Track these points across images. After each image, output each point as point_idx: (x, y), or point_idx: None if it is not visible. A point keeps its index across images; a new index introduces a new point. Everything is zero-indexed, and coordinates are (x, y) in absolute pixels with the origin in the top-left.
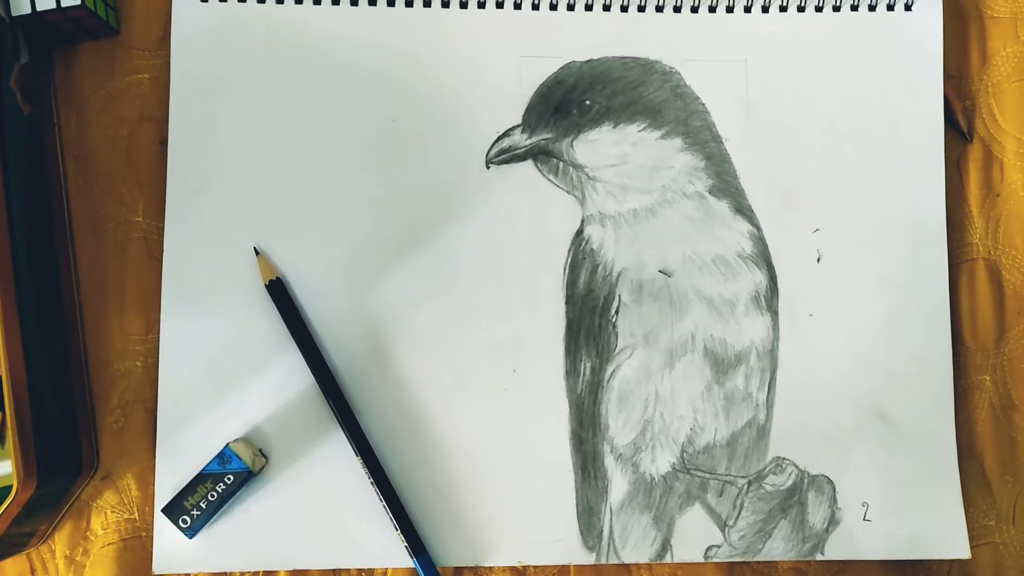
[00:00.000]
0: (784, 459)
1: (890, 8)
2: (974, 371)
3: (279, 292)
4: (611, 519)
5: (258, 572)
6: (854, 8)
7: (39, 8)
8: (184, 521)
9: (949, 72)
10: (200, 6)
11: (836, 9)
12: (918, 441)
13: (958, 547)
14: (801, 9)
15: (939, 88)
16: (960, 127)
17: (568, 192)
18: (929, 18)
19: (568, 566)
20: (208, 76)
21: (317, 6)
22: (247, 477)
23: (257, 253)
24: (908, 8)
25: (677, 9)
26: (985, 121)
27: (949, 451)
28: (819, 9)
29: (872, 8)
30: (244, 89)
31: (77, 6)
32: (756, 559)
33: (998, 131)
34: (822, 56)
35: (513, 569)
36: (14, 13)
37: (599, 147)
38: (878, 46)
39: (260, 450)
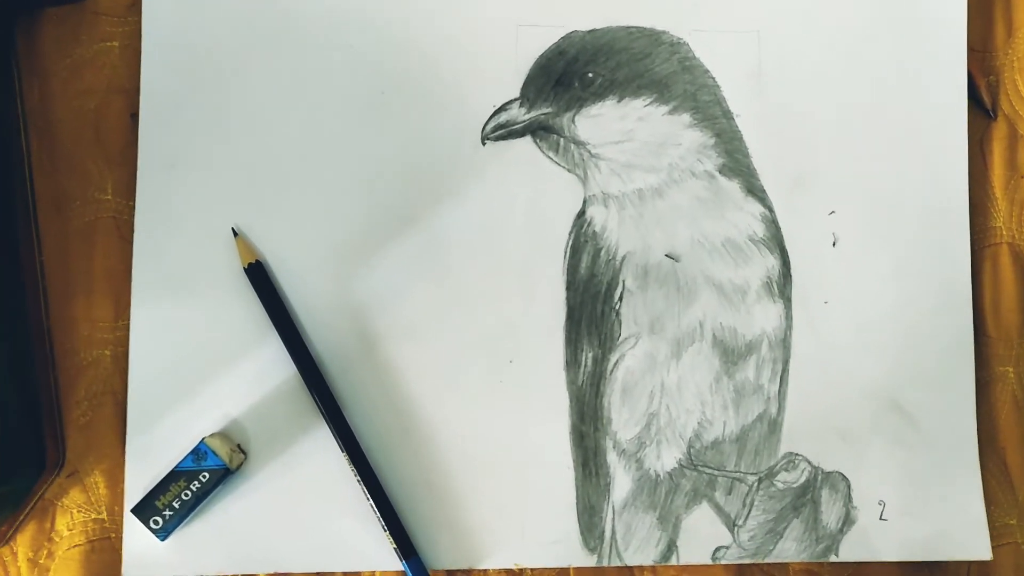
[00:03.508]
0: (796, 455)
1: None
2: (996, 362)
3: (259, 276)
4: (613, 519)
5: None
6: None
7: None
8: (156, 522)
9: (973, 46)
10: None
11: None
12: (937, 436)
13: (979, 548)
14: None
15: (962, 62)
16: (984, 104)
17: (569, 171)
18: None
19: (568, 568)
20: (182, 44)
21: None
22: (224, 475)
23: (235, 234)
24: None
25: None
26: (1010, 97)
27: (970, 447)
28: None
29: None
30: (221, 58)
31: None
32: (766, 561)
33: None
34: (839, 27)
35: (509, 572)
36: None
37: (602, 123)
38: (899, 17)
39: (238, 445)
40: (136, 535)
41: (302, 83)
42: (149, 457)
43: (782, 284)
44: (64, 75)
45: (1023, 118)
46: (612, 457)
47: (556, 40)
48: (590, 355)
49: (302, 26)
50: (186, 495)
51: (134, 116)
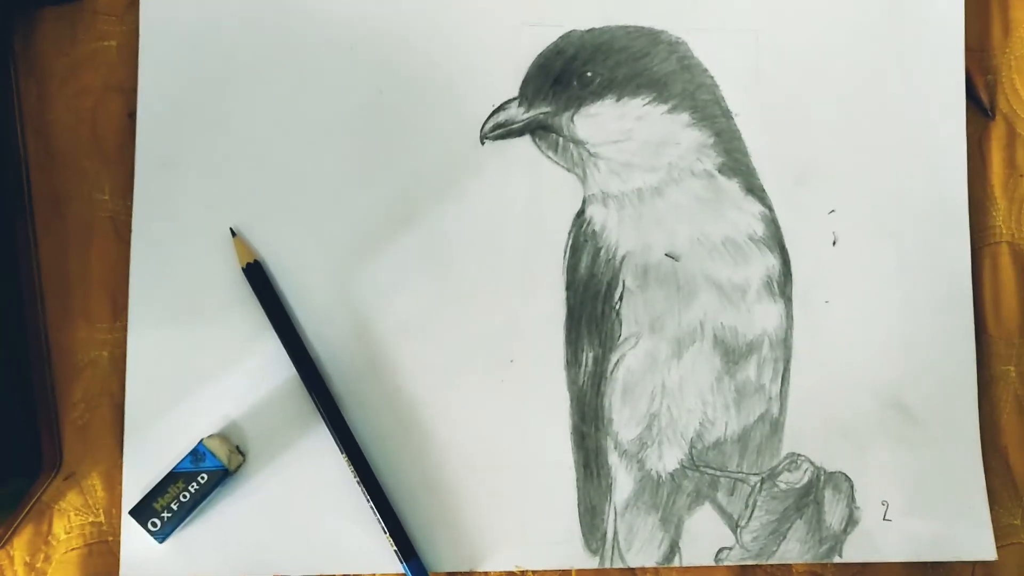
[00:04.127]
0: (799, 455)
1: None
2: (998, 361)
3: (257, 276)
4: (615, 520)
5: None
6: None
7: None
8: (154, 524)
9: (970, 45)
10: None
11: None
12: (940, 435)
13: (983, 548)
14: None
15: (960, 61)
16: (982, 103)
17: (568, 170)
18: None
19: (570, 570)
20: (180, 43)
21: None
22: (222, 476)
23: (233, 234)
24: None
25: None
26: (1008, 97)
27: (973, 446)
28: None
29: None
30: (219, 57)
31: None
32: (770, 562)
33: (1022, 107)
34: (837, 26)
35: (510, 574)
36: None
37: (601, 122)
38: (896, 17)
39: (237, 447)
40: (134, 537)
41: (301, 81)
42: (147, 459)
43: (783, 283)
44: (61, 74)
45: (1021, 117)
46: (613, 457)
47: (555, 39)
48: (591, 355)
49: (301, 24)
50: (184, 496)
51: (131, 115)
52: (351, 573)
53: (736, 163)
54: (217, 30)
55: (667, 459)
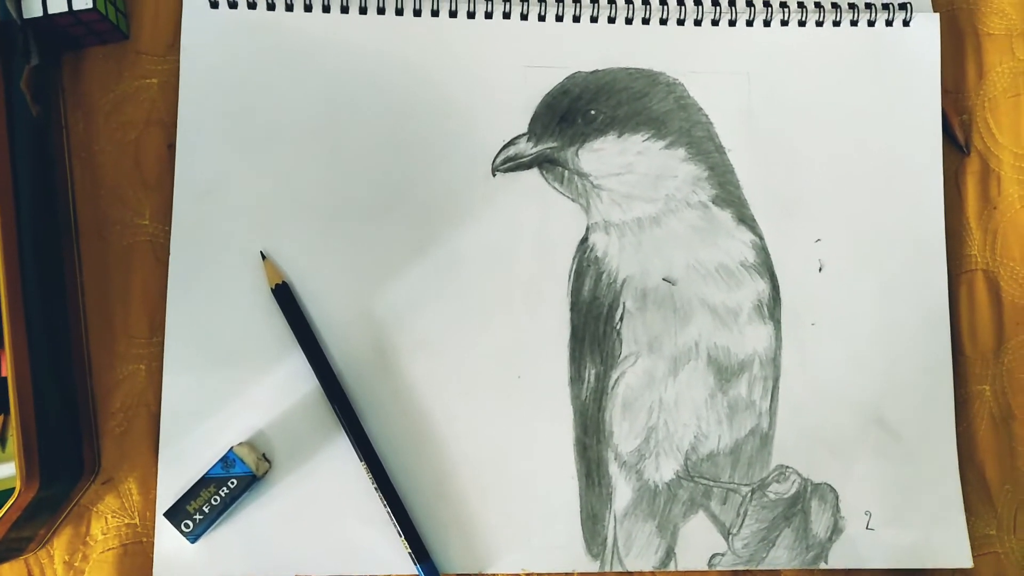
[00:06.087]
0: (787, 467)
1: (889, 24)
2: (974, 381)
3: (285, 296)
4: (615, 526)
5: None
6: (854, 23)
7: (51, 11)
8: (187, 525)
9: (946, 87)
10: (210, 13)
11: (836, 24)
12: (919, 450)
13: (960, 556)
14: (802, 24)
15: (937, 102)
16: (958, 140)
17: (573, 200)
18: (927, 34)
19: (572, 573)
20: (216, 81)
21: (326, 14)
22: (251, 481)
23: (263, 257)
24: (906, 24)
25: (681, 23)
26: (982, 135)
27: (950, 460)
28: (819, 24)
29: (871, 24)
30: (252, 95)
31: (89, 9)
32: (760, 567)
33: (995, 144)
34: (823, 69)
35: None
36: (26, 15)
37: (604, 156)
38: (877, 61)
39: (264, 454)
40: (167, 538)
41: (327, 119)
42: (180, 465)
43: (772, 307)
44: (107, 109)
45: (994, 154)
46: (614, 468)
47: (561, 80)
48: (593, 372)
49: (327, 68)
50: (215, 500)
51: (171, 147)
52: (368, 574)
53: (729, 195)
54: (249, 72)
55: (664, 470)
